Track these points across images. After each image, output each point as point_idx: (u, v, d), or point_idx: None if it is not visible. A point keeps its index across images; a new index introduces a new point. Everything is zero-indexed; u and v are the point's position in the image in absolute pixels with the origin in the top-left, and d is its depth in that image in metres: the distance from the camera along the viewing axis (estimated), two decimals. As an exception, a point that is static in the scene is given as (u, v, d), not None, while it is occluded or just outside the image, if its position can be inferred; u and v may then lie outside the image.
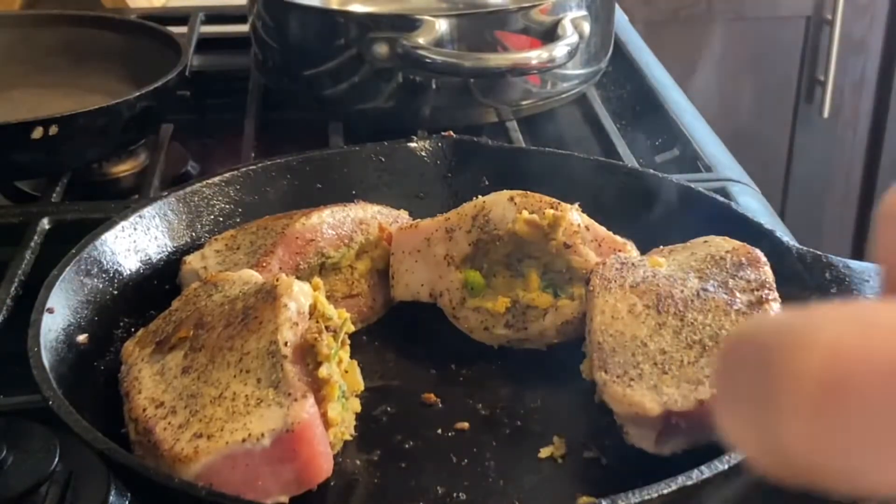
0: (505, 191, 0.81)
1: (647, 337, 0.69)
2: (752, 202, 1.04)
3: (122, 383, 0.69)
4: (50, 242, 0.94)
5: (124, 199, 1.08)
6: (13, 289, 0.86)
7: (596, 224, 0.79)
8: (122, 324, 0.77)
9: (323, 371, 0.63)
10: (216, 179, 0.88)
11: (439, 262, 0.81)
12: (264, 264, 0.78)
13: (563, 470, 0.69)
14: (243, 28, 1.34)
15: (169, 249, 0.84)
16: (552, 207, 0.78)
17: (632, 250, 0.80)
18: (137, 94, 1.09)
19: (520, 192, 0.80)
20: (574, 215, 0.78)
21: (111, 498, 0.69)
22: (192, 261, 0.81)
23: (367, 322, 0.85)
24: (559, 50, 1.11)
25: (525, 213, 0.77)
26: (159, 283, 0.81)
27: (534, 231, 0.77)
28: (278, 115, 1.29)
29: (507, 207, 0.79)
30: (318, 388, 0.63)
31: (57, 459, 0.68)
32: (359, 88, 1.16)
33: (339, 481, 0.67)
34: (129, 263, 0.80)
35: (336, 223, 0.83)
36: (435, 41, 1.10)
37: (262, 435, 0.60)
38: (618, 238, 0.80)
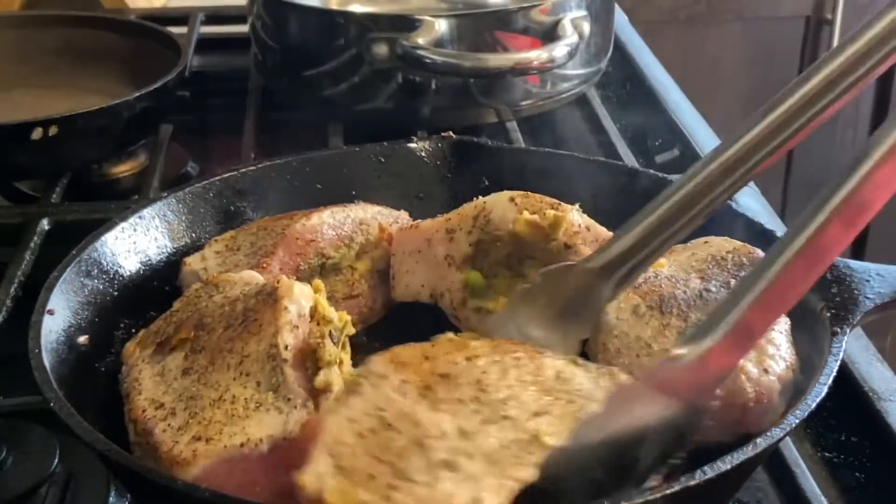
0: (505, 191, 0.80)
1: (651, 338, 0.68)
2: (752, 202, 1.04)
3: (122, 384, 0.68)
4: (50, 243, 0.94)
5: (124, 200, 1.08)
6: (13, 290, 0.86)
7: (596, 224, 0.79)
8: (122, 325, 0.77)
9: (321, 378, 0.63)
10: (216, 180, 0.88)
11: (440, 262, 0.80)
12: (265, 265, 0.78)
13: (564, 471, 0.68)
14: (243, 28, 1.34)
15: (169, 250, 0.83)
16: (553, 208, 0.78)
17: (633, 251, 0.79)
18: (137, 94, 1.09)
19: (520, 192, 0.80)
20: (575, 216, 0.78)
21: (111, 499, 0.69)
22: (193, 262, 0.81)
23: (368, 323, 0.84)
24: (559, 50, 1.10)
25: (526, 214, 0.77)
26: (159, 285, 0.81)
27: (534, 232, 0.77)
28: (278, 115, 1.28)
29: (507, 208, 0.78)
30: (318, 392, 0.63)
31: (57, 460, 0.68)
32: (359, 89, 1.16)
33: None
34: (130, 264, 0.80)
35: (336, 224, 0.83)
36: (435, 41, 1.10)
37: (261, 440, 0.59)
38: (618, 238, 0.80)
